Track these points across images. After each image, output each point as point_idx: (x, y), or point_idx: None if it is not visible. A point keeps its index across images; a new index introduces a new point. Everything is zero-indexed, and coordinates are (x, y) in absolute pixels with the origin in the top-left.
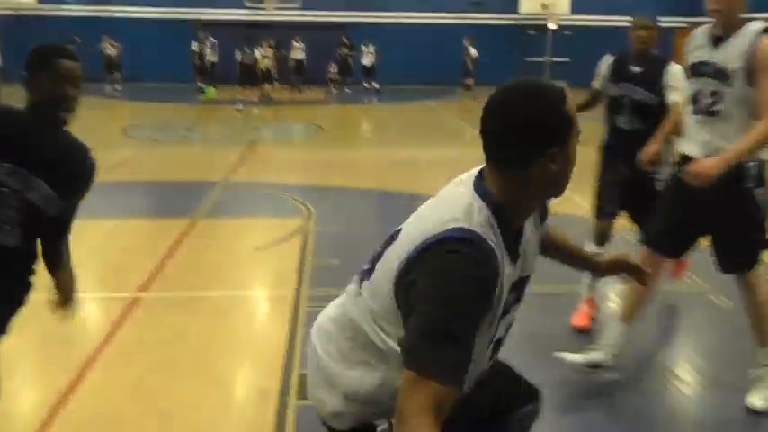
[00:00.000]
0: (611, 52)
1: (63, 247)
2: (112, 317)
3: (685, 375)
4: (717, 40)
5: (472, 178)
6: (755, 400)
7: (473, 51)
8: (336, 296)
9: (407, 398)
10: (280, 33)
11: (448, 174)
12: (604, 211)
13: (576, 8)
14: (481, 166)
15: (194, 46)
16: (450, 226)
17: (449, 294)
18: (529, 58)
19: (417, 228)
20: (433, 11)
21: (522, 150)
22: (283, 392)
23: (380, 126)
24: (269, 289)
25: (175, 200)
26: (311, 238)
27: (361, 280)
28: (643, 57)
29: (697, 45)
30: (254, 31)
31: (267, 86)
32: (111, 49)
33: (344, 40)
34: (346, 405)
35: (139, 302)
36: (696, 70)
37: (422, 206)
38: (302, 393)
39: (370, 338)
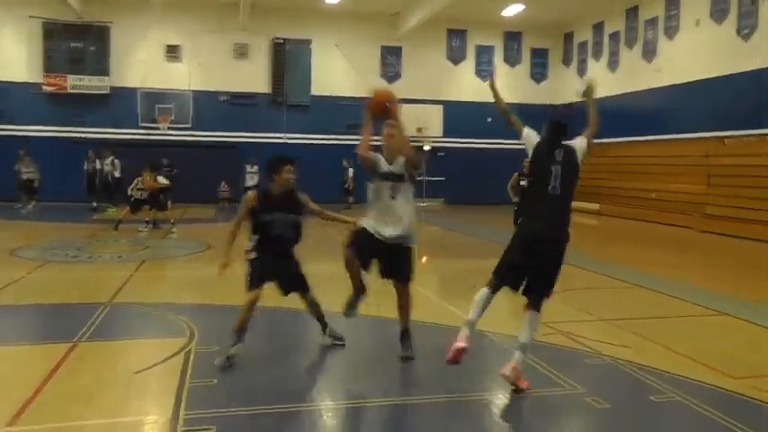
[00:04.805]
0: None
1: None
2: None
3: None
4: None
5: None
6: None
7: (351, 171)
8: (213, 418)
9: None
10: (172, 153)
11: (332, 288)
12: None
13: (450, 132)
14: None
15: (86, 165)
16: None
17: None
18: None
19: None
20: (314, 132)
21: None
22: None
23: None
24: (146, 413)
25: (58, 323)
26: (192, 359)
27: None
28: None
29: None
30: (146, 151)
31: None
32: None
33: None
34: None
35: None
36: None
37: None
38: None
39: None
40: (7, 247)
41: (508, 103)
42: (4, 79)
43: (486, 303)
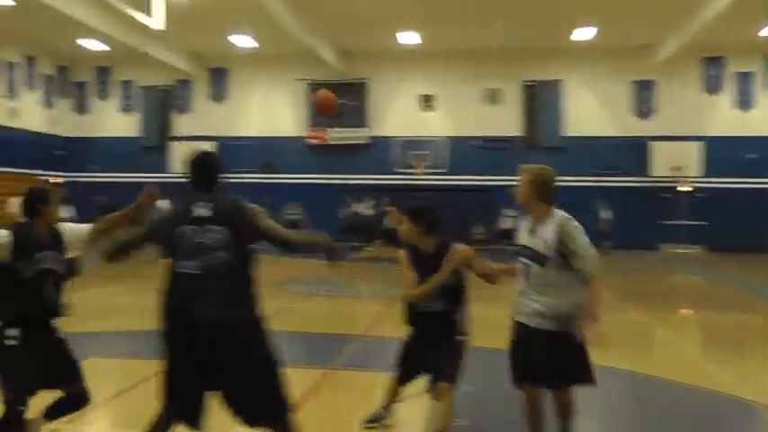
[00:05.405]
0: None
1: None
2: None
3: None
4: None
5: None
6: None
7: (604, 214)
8: None
9: None
10: (428, 196)
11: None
12: None
13: (711, 170)
14: None
15: (344, 208)
16: None
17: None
18: (664, 221)
19: None
20: (568, 174)
21: None
22: None
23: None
24: None
25: (317, 350)
26: None
27: None
28: None
29: None
30: (402, 194)
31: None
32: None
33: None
34: None
35: None
36: None
37: None
38: None
39: None
40: (276, 281)
41: None
42: (275, 135)
43: None
